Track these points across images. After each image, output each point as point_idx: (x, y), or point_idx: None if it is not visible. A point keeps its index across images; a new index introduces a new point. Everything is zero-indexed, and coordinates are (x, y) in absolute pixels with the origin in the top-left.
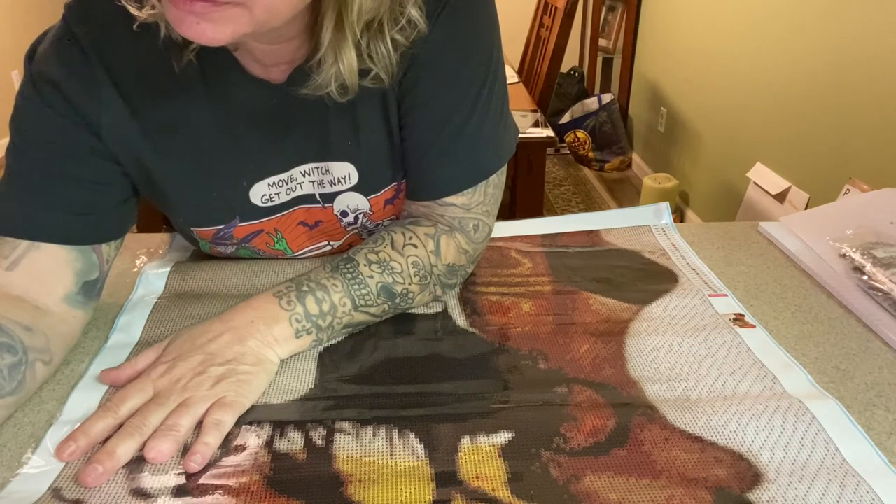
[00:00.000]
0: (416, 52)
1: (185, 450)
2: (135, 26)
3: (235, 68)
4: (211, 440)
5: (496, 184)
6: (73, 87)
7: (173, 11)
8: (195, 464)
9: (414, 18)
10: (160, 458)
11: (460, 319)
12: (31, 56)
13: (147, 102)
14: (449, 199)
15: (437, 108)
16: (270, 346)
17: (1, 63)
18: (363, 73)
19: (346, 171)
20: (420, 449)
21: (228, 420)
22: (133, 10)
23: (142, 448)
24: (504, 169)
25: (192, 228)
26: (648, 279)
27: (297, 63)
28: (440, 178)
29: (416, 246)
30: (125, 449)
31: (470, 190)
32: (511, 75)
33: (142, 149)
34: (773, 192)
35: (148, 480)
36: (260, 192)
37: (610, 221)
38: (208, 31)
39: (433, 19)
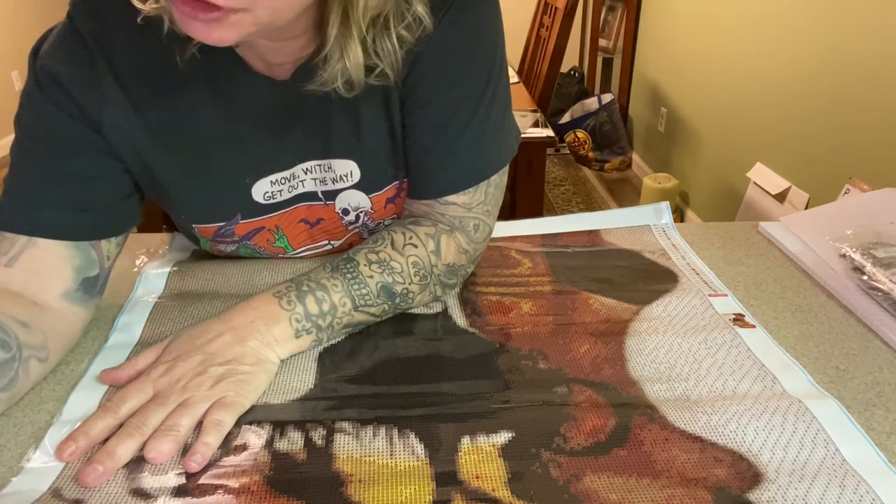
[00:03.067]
0: (420, 51)
1: (185, 450)
2: (139, 19)
3: (239, 65)
4: (211, 440)
5: (497, 184)
6: (76, 83)
7: (178, 14)
8: (195, 464)
9: (420, 15)
10: (160, 458)
11: (460, 319)
12: (35, 53)
13: (150, 100)
14: (450, 199)
15: (441, 106)
16: (270, 346)
17: (1, 63)
18: (369, 69)
19: (348, 169)
20: (420, 449)
21: (228, 420)
22: (137, 3)
23: (142, 448)
24: (505, 169)
25: (193, 226)
26: (648, 279)
27: (301, 61)
28: (442, 177)
29: (416, 246)
30: (125, 449)
31: (471, 189)
32: (511, 75)
33: (144, 145)
34: (773, 192)
35: (148, 480)
36: (262, 190)
37: (610, 221)
38: (214, 32)
39: (438, 18)
